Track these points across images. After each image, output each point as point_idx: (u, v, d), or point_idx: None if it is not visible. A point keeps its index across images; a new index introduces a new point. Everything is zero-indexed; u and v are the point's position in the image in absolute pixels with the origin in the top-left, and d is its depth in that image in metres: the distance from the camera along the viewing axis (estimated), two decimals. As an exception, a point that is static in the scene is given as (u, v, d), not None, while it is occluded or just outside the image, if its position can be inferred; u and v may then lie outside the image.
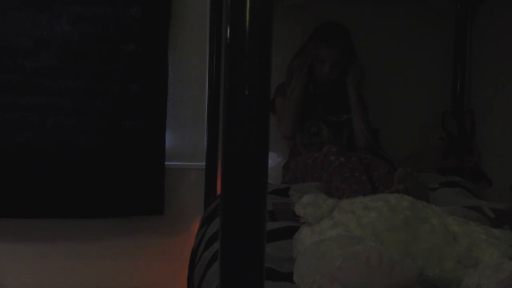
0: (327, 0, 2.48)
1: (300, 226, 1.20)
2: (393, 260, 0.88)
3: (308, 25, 2.30)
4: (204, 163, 2.32)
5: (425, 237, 1.06)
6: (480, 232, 1.09)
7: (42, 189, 2.18)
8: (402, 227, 1.07)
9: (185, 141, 2.38)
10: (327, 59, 2.16)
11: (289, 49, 2.30)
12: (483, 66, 2.47)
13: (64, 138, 2.19)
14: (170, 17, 2.30)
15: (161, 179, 2.29)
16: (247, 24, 0.60)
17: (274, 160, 2.39)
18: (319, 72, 2.19)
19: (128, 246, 2.34)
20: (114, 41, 2.21)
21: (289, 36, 2.32)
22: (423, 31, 2.54)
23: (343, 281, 0.87)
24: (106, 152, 2.22)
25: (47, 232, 2.29)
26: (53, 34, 2.17)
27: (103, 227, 2.31)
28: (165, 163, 2.31)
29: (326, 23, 2.24)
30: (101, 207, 2.24)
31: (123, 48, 2.22)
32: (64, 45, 2.18)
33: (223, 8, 2.30)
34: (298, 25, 2.34)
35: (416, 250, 1.03)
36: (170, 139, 2.35)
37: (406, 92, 2.54)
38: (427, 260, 1.02)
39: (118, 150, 2.23)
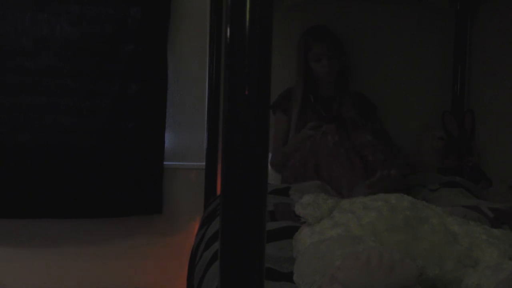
0: (327, 0, 2.48)
1: (300, 226, 1.20)
2: (393, 260, 0.88)
3: (308, 25, 2.30)
4: (204, 163, 2.32)
5: (425, 237, 1.06)
6: (480, 232, 1.09)
7: (42, 189, 2.18)
8: (402, 227, 1.07)
9: (185, 141, 2.38)
10: (323, 54, 2.19)
11: (289, 49, 2.30)
12: (483, 66, 2.47)
13: (63, 138, 2.19)
14: (170, 17, 2.30)
15: (160, 178, 2.29)
16: (247, 24, 0.60)
17: (274, 160, 2.39)
18: (320, 69, 2.20)
19: (128, 246, 2.34)
20: (114, 41, 2.21)
21: (289, 36, 2.32)
22: (423, 31, 2.54)
23: (343, 281, 0.87)
24: (106, 152, 2.22)
25: (46, 232, 2.29)
26: (53, 34, 2.17)
27: (103, 227, 2.31)
28: (165, 163, 2.32)
29: (309, 28, 2.29)
30: (100, 207, 2.24)
31: (123, 48, 2.22)
32: (64, 45, 2.18)
33: (223, 8, 2.30)
34: (298, 25, 2.34)
35: (416, 250, 1.03)
36: (170, 139, 2.35)
37: (406, 92, 2.54)
38: (427, 260, 1.02)
39: (118, 150, 2.23)
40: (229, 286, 0.62)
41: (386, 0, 2.51)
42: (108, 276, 2.33)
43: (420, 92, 2.55)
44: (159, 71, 2.28)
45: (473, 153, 2.39)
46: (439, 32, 2.55)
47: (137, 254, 2.34)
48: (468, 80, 2.52)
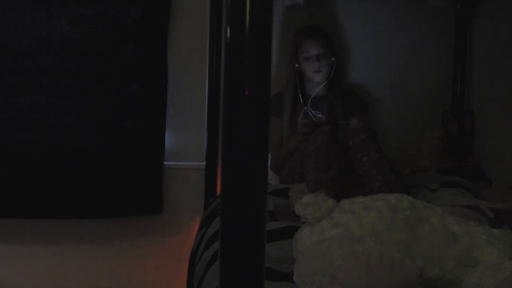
0: (326, 0, 2.48)
1: (300, 226, 1.20)
2: (393, 260, 0.88)
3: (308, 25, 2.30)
4: (204, 163, 2.32)
5: (425, 237, 1.06)
6: (480, 232, 1.09)
7: (42, 189, 2.18)
8: (402, 227, 1.07)
9: (185, 141, 2.38)
10: (312, 52, 2.18)
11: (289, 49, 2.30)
12: (483, 66, 2.47)
13: (63, 137, 2.19)
14: (170, 17, 2.30)
15: (160, 178, 2.29)
16: (247, 24, 0.60)
17: (274, 160, 2.39)
18: (310, 68, 2.19)
19: (128, 246, 2.34)
20: (114, 41, 2.21)
21: (289, 36, 2.32)
22: (423, 31, 2.54)
23: (343, 281, 0.87)
24: (106, 152, 2.22)
25: (46, 232, 2.29)
26: (53, 34, 2.17)
27: (103, 227, 2.31)
28: (165, 163, 2.32)
29: (302, 27, 2.29)
30: (100, 207, 2.24)
31: (123, 48, 2.22)
32: (64, 45, 2.18)
33: (223, 8, 2.30)
34: (298, 25, 2.34)
35: (416, 250, 1.03)
36: (170, 139, 2.35)
37: (406, 92, 2.54)
38: (427, 260, 1.02)
39: (118, 150, 2.23)
40: (229, 286, 0.62)
41: (386, 0, 2.51)
42: (108, 276, 2.33)
43: (420, 92, 2.55)
44: (159, 71, 2.27)
45: (473, 153, 2.39)
46: (439, 32, 2.55)
47: (137, 254, 2.34)
48: (468, 80, 2.52)
